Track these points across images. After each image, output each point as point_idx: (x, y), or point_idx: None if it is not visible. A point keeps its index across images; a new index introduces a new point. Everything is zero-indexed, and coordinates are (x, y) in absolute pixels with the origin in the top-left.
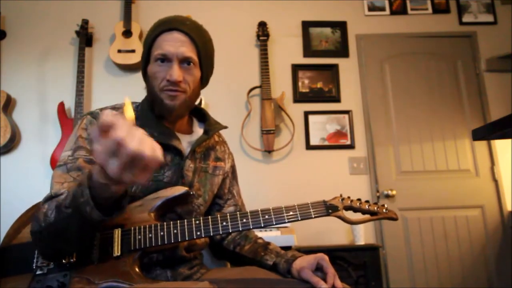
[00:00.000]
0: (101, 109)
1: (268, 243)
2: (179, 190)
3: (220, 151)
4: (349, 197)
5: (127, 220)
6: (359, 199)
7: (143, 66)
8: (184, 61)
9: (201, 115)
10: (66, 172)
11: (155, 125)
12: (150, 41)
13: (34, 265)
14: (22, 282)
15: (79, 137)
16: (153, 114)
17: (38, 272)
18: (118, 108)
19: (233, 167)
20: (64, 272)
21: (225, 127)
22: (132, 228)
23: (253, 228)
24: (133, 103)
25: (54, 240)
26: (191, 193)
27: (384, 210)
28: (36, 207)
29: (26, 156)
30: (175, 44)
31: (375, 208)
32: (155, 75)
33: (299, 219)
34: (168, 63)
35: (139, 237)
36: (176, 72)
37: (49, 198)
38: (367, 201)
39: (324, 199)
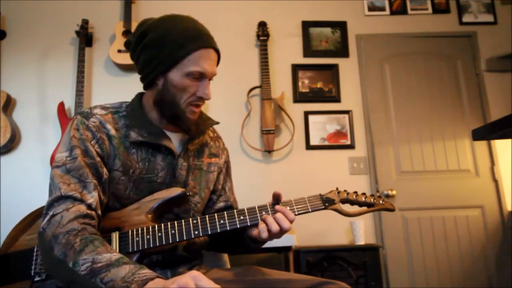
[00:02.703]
0: (91, 108)
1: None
2: (175, 191)
3: (214, 147)
4: (345, 190)
5: (124, 223)
6: (355, 192)
7: (163, 69)
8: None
9: None
10: (67, 173)
11: (144, 125)
12: (184, 53)
13: (32, 271)
14: None
15: (72, 137)
16: (143, 115)
17: (37, 278)
18: (107, 108)
19: (227, 163)
20: None
21: (217, 123)
22: (130, 230)
23: (250, 224)
24: (121, 103)
25: (63, 276)
26: (187, 194)
27: (381, 202)
28: (33, 215)
29: (26, 156)
30: (212, 63)
31: (372, 199)
32: (186, 89)
33: (296, 213)
34: (201, 79)
35: (137, 239)
36: (210, 91)
37: (59, 198)
38: (363, 193)
39: (320, 193)
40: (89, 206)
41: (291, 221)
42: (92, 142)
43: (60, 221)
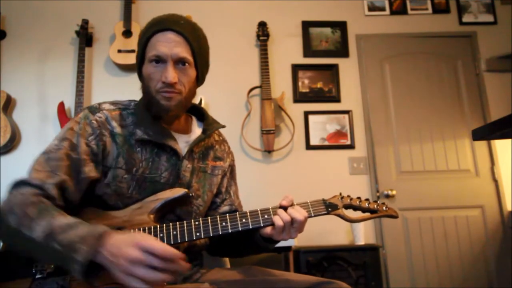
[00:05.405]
0: (100, 104)
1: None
2: (178, 191)
3: (219, 150)
4: (348, 196)
5: (126, 223)
6: (358, 197)
7: (138, 66)
8: (179, 62)
9: (200, 114)
10: (46, 160)
11: (151, 124)
12: (144, 42)
13: (33, 269)
14: (22, 286)
15: (69, 129)
16: (149, 114)
17: (38, 275)
18: (116, 104)
19: (232, 167)
20: (64, 275)
21: (223, 126)
22: (131, 230)
23: (252, 228)
24: (131, 101)
25: (18, 242)
26: (190, 194)
27: (384, 208)
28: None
29: (26, 156)
30: (169, 44)
31: (375, 206)
32: (150, 76)
33: None
34: (162, 64)
35: None
36: (171, 74)
37: (25, 182)
38: (367, 199)
39: (323, 198)
40: (47, 196)
41: (303, 215)
42: (89, 138)
43: (17, 197)
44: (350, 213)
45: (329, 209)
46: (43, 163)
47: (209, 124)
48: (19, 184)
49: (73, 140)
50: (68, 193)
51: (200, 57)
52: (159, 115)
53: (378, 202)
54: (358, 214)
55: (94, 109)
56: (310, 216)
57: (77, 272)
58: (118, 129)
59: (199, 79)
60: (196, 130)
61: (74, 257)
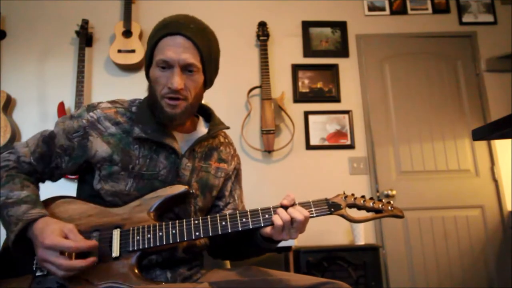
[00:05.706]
0: (99, 102)
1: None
2: (179, 189)
3: (224, 153)
4: (352, 194)
5: (126, 220)
6: (363, 196)
7: (146, 67)
8: (186, 68)
9: (207, 114)
10: (36, 140)
11: (151, 122)
12: (153, 44)
13: (34, 266)
14: (22, 284)
15: (61, 121)
16: (152, 113)
17: (38, 273)
18: (115, 103)
19: (237, 170)
20: None
21: (227, 128)
22: (131, 228)
23: (252, 227)
24: (135, 99)
25: None
26: (191, 191)
27: (389, 208)
28: None
29: None
30: (177, 49)
31: (380, 205)
32: (156, 80)
33: None
34: (169, 69)
35: (138, 237)
36: (176, 80)
37: (14, 153)
38: (371, 198)
39: (326, 197)
40: (21, 167)
41: (304, 215)
42: (73, 134)
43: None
44: (353, 212)
45: (332, 209)
46: (34, 141)
47: (215, 125)
48: (13, 150)
49: (56, 130)
50: (39, 172)
51: (209, 62)
52: (162, 122)
53: (383, 201)
54: (362, 214)
55: (90, 108)
56: (312, 216)
57: (11, 246)
58: (112, 129)
59: (207, 84)
60: (202, 130)
61: (9, 234)
